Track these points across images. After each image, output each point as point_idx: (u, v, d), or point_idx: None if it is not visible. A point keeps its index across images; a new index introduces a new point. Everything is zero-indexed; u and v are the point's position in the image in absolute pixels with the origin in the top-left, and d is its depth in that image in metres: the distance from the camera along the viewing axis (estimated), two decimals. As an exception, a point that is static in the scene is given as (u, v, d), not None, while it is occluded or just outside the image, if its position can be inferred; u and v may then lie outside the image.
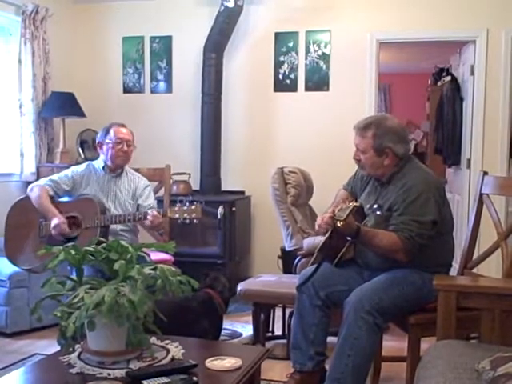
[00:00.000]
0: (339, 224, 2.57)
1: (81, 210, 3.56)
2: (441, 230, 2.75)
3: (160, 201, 4.49)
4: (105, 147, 3.73)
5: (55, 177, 3.74)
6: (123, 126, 3.79)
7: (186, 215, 3.40)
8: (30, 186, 3.74)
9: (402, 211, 2.69)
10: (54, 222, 3.50)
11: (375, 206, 2.83)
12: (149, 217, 3.42)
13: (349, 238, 2.77)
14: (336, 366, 2.65)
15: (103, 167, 3.76)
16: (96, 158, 3.89)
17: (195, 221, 3.42)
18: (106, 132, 3.74)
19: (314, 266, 2.89)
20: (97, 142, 3.81)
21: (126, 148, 3.71)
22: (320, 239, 3.09)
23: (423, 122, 9.16)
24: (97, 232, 3.45)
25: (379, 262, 2.81)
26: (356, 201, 2.76)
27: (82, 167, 3.81)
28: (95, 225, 3.49)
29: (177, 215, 3.42)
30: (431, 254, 2.74)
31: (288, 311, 3.80)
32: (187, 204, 3.41)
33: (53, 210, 3.57)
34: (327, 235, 2.77)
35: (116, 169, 3.77)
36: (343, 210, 2.61)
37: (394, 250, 2.68)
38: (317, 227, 2.87)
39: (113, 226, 3.58)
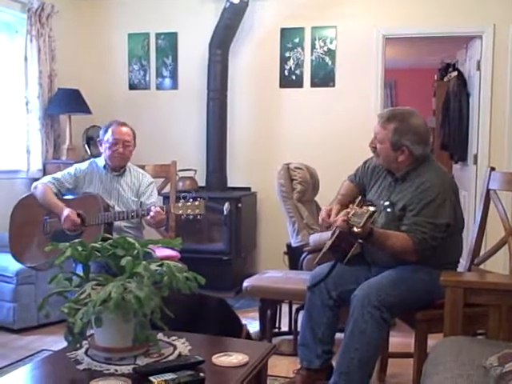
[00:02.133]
0: (356, 230, 2.50)
1: (84, 208, 3.56)
2: (453, 230, 2.72)
3: (166, 197, 4.50)
4: (103, 146, 3.73)
5: (58, 175, 3.74)
6: (123, 124, 3.75)
7: (189, 211, 3.38)
8: (33, 184, 3.74)
9: (417, 212, 2.65)
10: (64, 213, 3.50)
11: (387, 203, 2.78)
12: (151, 213, 3.41)
13: (360, 241, 2.69)
14: (342, 360, 2.65)
15: (104, 165, 3.75)
16: (100, 154, 3.88)
17: (199, 217, 3.41)
18: (106, 130, 3.73)
19: (326, 266, 2.88)
20: (98, 139, 3.82)
21: (121, 149, 3.68)
22: (326, 235, 3.08)
23: (429, 118, 9.11)
24: (101, 229, 3.46)
25: (387, 260, 2.79)
26: (372, 205, 2.68)
27: (84, 165, 3.81)
28: (99, 222, 3.49)
29: (180, 211, 3.40)
30: (441, 253, 2.72)
31: (294, 307, 3.80)
32: (190, 200, 3.40)
33: (59, 204, 3.58)
34: (335, 236, 2.74)
35: (116, 168, 3.76)
36: (359, 215, 2.52)
37: (406, 251, 2.65)
38: (320, 220, 2.86)
39: (117, 223, 3.58)
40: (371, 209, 2.53)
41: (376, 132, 2.81)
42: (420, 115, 2.83)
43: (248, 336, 2.97)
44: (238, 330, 2.93)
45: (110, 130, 3.70)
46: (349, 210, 2.66)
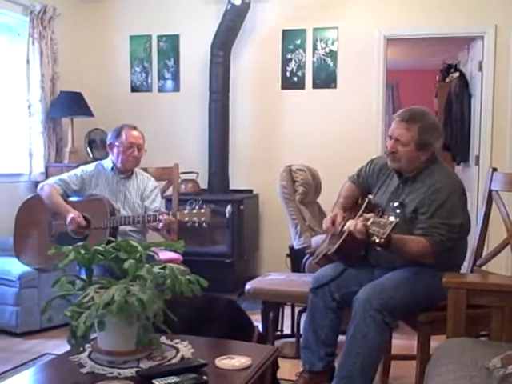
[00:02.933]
0: (378, 240, 2.44)
1: (91, 211, 3.56)
2: (463, 231, 2.72)
3: (168, 200, 4.50)
4: (115, 150, 3.70)
5: (64, 176, 3.74)
6: (135, 128, 3.76)
7: (195, 219, 3.40)
8: (39, 185, 3.75)
9: (431, 214, 2.63)
10: (70, 216, 3.50)
11: (396, 205, 2.75)
12: (161, 224, 3.43)
13: (378, 248, 2.64)
14: (344, 364, 2.64)
15: (112, 168, 3.75)
16: (105, 157, 3.88)
17: (204, 224, 3.43)
18: (118, 134, 3.70)
19: (329, 269, 2.88)
20: (108, 142, 3.78)
21: (136, 153, 3.69)
22: (324, 237, 3.07)
23: (431, 119, 9.12)
24: (106, 233, 3.46)
25: (390, 262, 2.77)
26: (395, 215, 2.59)
27: (91, 167, 3.81)
28: (104, 226, 3.49)
29: (186, 218, 3.42)
30: (447, 256, 2.69)
31: (297, 310, 3.80)
32: (196, 208, 3.41)
33: (66, 205, 3.59)
34: (342, 240, 2.72)
35: (125, 171, 3.76)
36: (381, 225, 2.45)
37: (424, 255, 2.63)
38: (324, 228, 2.85)
39: (122, 227, 3.59)
40: (392, 219, 2.45)
41: (398, 135, 2.72)
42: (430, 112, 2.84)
43: (260, 337, 2.96)
44: (249, 332, 2.92)
45: (123, 134, 3.68)
46: (366, 217, 2.58)
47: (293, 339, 3.84)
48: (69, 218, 3.51)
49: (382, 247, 2.57)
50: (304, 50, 5.43)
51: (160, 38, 5.76)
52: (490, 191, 2.98)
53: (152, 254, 2.28)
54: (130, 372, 1.98)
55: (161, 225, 3.44)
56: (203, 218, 3.40)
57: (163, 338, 2.25)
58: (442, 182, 2.68)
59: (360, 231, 2.54)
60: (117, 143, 3.69)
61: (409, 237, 2.65)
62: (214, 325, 2.74)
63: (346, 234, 2.68)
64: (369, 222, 2.51)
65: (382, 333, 2.59)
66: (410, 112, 2.75)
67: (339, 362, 2.69)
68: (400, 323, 3.40)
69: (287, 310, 4.01)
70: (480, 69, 5.20)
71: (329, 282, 2.85)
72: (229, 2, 5.22)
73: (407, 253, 2.65)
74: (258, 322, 3.83)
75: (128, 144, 3.66)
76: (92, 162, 4.04)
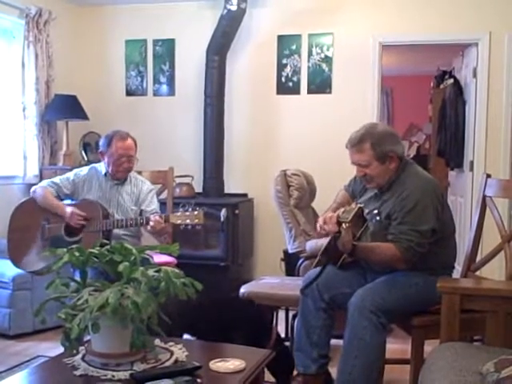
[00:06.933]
0: (345, 226, 2.56)
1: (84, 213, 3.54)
2: (442, 233, 2.74)
3: (163, 203, 4.49)
4: (106, 159, 3.66)
5: (57, 179, 3.71)
6: (127, 137, 3.65)
7: (188, 221, 3.37)
8: (32, 188, 3.72)
9: (400, 220, 2.69)
10: (68, 212, 3.49)
11: (374, 212, 2.81)
12: (151, 222, 3.39)
13: (344, 255, 2.76)
14: (344, 368, 2.65)
15: (105, 173, 3.71)
16: (99, 160, 3.86)
17: (197, 227, 3.41)
18: (109, 143, 3.63)
19: (318, 269, 2.89)
20: (99, 149, 3.73)
21: (126, 165, 3.64)
22: (322, 242, 3.09)
23: (426, 125, 9.16)
24: (99, 236, 3.44)
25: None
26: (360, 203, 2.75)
27: (84, 170, 3.78)
28: (97, 229, 3.47)
29: (179, 221, 3.39)
30: (433, 257, 2.74)
31: (291, 313, 3.80)
32: (190, 210, 3.40)
33: (60, 204, 3.57)
34: (329, 239, 2.76)
35: (118, 178, 3.74)
36: (347, 211, 2.61)
37: (394, 261, 2.68)
38: (318, 228, 2.87)
39: (115, 231, 3.56)
40: (359, 205, 2.63)
41: (356, 160, 2.83)
42: (380, 123, 2.92)
43: (278, 337, 2.96)
44: (268, 332, 2.92)
45: (113, 145, 3.61)
46: (339, 209, 2.74)
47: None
48: (67, 215, 3.49)
49: (341, 251, 2.69)
50: (299, 56, 5.44)
51: (156, 42, 5.77)
52: (484, 197, 2.99)
53: (147, 256, 2.28)
54: (123, 374, 1.98)
55: (150, 223, 3.41)
56: (196, 220, 3.37)
57: (157, 341, 2.26)
58: (411, 189, 2.73)
59: (331, 222, 2.63)
60: (107, 153, 3.64)
61: (376, 244, 2.72)
62: (238, 325, 2.74)
63: (331, 234, 2.73)
64: (340, 212, 2.64)
65: (378, 334, 2.60)
66: (356, 135, 2.83)
67: (338, 368, 2.69)
68: (394, 327, 3.41)
69: (281, 314, 4.00)
70: (474, 75, 5.23)
71: (315, 280, 2.86)
72: (225, 7, 5.24)
73: (377, 260, 2.74)
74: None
75: (118, 156, 3.60)
76: (86, 165, 4.01)
